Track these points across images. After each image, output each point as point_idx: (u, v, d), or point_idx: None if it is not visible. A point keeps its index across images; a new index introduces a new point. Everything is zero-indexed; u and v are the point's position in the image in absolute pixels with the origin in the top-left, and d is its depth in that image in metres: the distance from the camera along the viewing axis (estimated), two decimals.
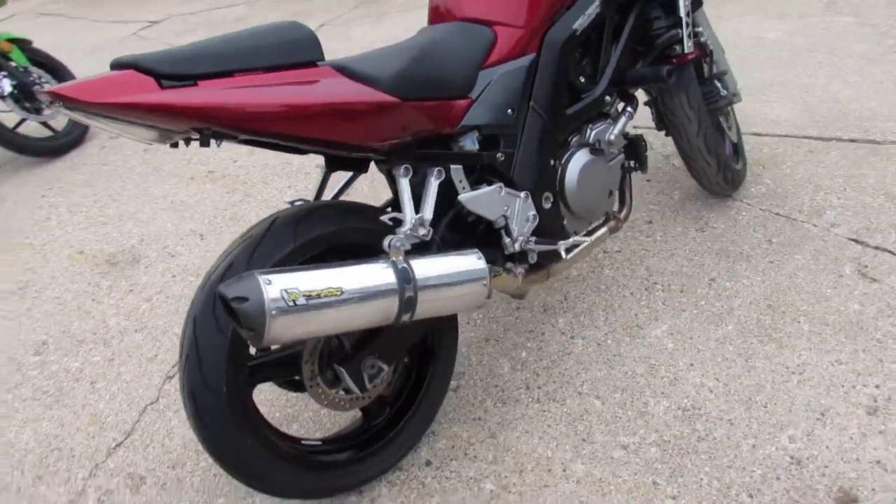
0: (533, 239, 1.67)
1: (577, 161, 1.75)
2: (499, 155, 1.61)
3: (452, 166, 1.54)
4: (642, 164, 2.03)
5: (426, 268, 1.38)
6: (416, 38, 1.56)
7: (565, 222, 1.80)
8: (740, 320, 1.93)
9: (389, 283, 1.32)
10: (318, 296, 1.23)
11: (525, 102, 1.64)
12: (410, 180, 1.47)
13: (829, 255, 2.11)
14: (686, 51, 1.96)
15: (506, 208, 1.61)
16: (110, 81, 1.15)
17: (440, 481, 1.63)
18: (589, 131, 1.80)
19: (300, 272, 1.25)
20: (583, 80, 1.78)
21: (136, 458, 1.84)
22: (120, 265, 2.73)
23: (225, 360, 1.32)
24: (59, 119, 3.83)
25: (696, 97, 2.12)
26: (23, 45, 3.66)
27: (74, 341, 2.33)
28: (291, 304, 1.20)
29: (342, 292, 1.26)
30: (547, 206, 1.72)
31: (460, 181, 1.55)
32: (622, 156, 1.92)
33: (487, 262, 1.63)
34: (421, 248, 1.46)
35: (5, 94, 3.51)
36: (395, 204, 1.56)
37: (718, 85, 2.22)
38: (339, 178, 1.67)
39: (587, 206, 1.81)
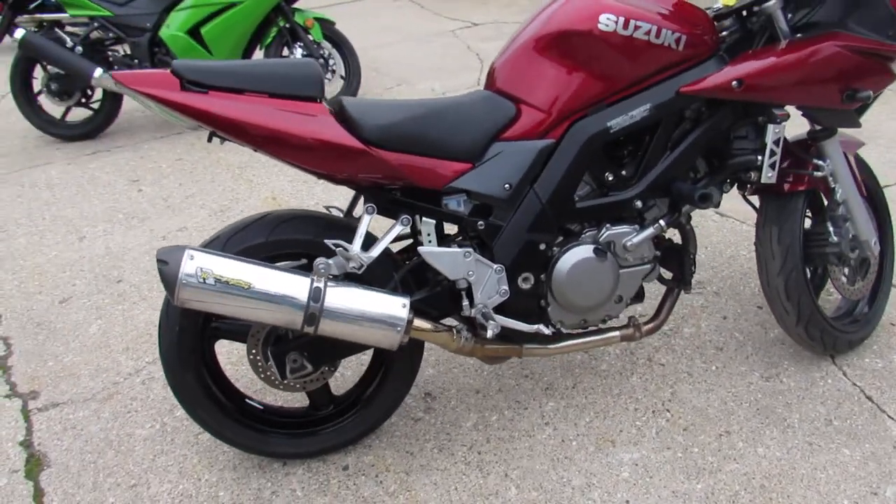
0: (491, 311, 1.71)
1: (574, 256, 1.72)
2: (479, 223, 1.68)
3: (424, 219, 1.66)
4: (684, 284, 1.89)
5: (340, 296, 1.56)
6: (440, 99, 1.70)
7: (549, 310, 1.79)
8: (716, 485, 1.72)
9: (298, 296, 1.53)
10: (227, 283, 1.49)
11: (527, 183, 1.68)
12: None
13: (883, 467, 1.73)
14: (764, 181, 1.76)
15: (470, 273, 1.68)
16: (149, 76, 1.53)
17: (339, 488, 1.80)
18: (605, 230, 1.75)
19: (227, 259, 1.52)
20: (611, 178, 1.73)
21: None
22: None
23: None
24: (330, 88, 4.57)
25: (789, 234, 1.88)
26: (325, 24, 4.46)
27: None
28: (202, 280, 1.48)
29: (249, 287, 1.50)
30: (525, 286, 1.74)
31: (428, 234, 1.67)
32: (648, 266, 1.81)
33: (438, 314, 1.74)
34: (364, 278, 1.63)
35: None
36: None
37: (831, 230, 1.92)
38: None
39: (577, 304, 1.76)
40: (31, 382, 2.29)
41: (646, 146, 1.74)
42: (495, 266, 1.70)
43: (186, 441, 1.98)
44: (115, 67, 4.23)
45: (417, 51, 6.05)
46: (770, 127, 1.73)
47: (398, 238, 1.79)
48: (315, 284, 1.54)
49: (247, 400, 1.87)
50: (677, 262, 1.89)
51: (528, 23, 1.71)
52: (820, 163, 1.87)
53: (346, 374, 2.17)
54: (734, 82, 1.65)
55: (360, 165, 1.58)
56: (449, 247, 1.68)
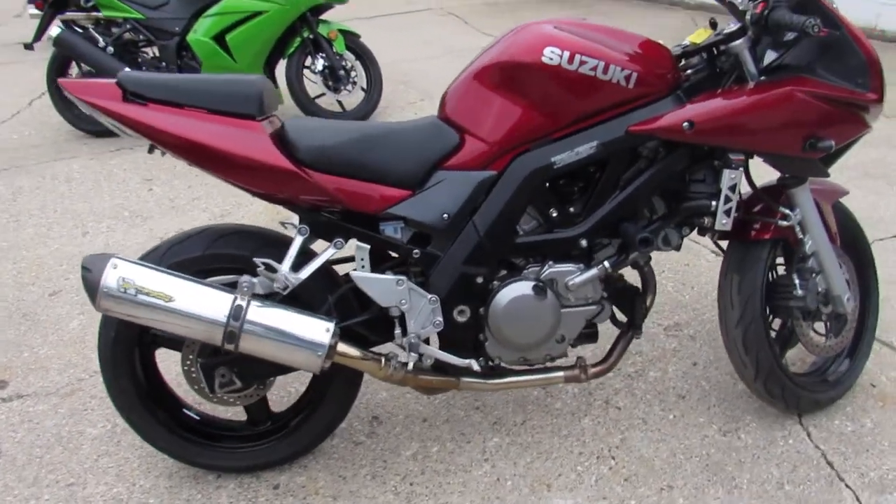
0: (420, 342, 1.67)
1: (512, 291, 1.67)
2: (415, 252, 1.65)
3: (358, 243, 1.64)
4: (634, 328, 1.82)
5: (262, 315, 1.55)
6: (384, 124, 1.68)
7: (487, 344, 1.74)
8: None
9: (219, 312, 1.52)
10: (148, 294, 1.50)
11: (466, 214, 1.64)
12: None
13: None
14: (718, 227, 1.68)
15: (403, 302, 1.65)
16: (94, 86, 1.56)
17: None
18: (547, 267, 1.69)
19: (150, 270, 1.53)
20: (555, 214, 1.68)
21: None
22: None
23: None
24: (351, 100, 4.60)
25: (750, 284, 1.79)
26: (349, 36, 4.50)
27: None
28: (122, 291, 1.49)
29: (170, 300, 1.51)
30: (461, 319, 1.70)
31: (361, 259, 1.64)
32: (593, 307, 1.74)
33: (376, 340, 1.71)
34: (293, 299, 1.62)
35: (317, 70, 4.39)
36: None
37: (797, 282, 1.82)
38: None
39: (514, 340, 1.71)
40: (3, 372, 2.35)
41: (594, 184, 1.68)
42: (430, 296, 1.66)
43: (132, 444, 2.00)
44: (143, 69, 4.36)
45: (450, 65, 6.04)
46: (725, 172, 1.65)
47: (341, 260, 1.78)
48: (237, 302, 1.54)
49: (184, 410, 1.87)
50: (629, 304, 1.82)
51: (482, 52, 1.68)
52: (787, 212, 1.77)
53: (301, 390, 2.16)
54: (685, 124, 1.58)
55: (291, 186, 1.57)
56: (383, 273, 1.66)
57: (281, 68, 4.47)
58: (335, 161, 1.59)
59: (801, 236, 1.80)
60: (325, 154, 1.58)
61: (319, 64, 4.37)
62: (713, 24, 1.74)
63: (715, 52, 1.71)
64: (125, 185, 3.82)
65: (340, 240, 1.64)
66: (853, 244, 2.00)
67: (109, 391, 1.75)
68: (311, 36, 4.35)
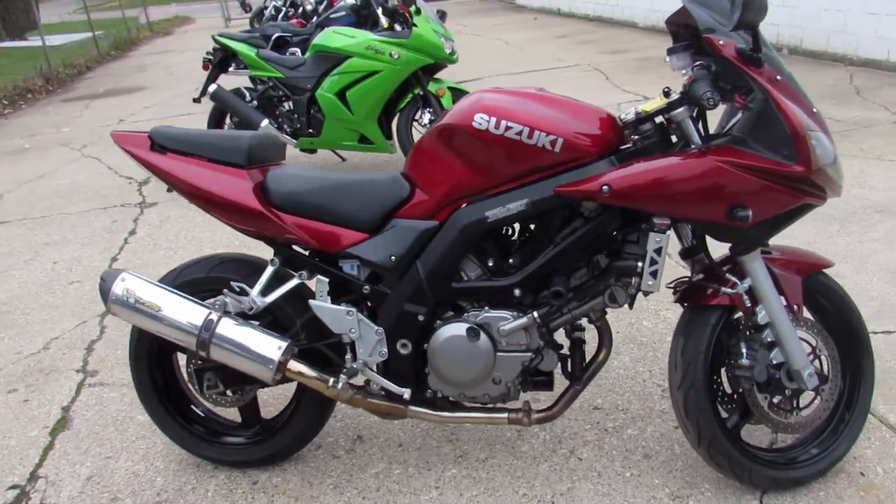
0: (363, 367, 1.88)
1: (448, 331, 1.83)
2: (365, 287, 1.88)
3: (319, 276, 1.90)
4: (574, 380, 1.89)
5: (229, 330, 1.86)
6: (350, 174, 1.93)
7: (429, 378, 1.90)
8: None
9: (193, 323, 1.86)
10: (143, 303, 1.87)
11: (410, 258, 1.84)
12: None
13: None
14: (644, 288, 1.73)
15: (352, 331, 1.88)
16: (132, 136, 1.99)
17: (239, 499, 2.07)
18: (483, 312, 1.83)
19: (149, 284, 1.90)
20: (491, 264, 1.82)
21: None
22: None
23: None
24: None
25: (693, 348, 1.81)
26: (458, 93, 4.84)
27: None
28: (125, 299, 1.88)
29: (159, 309, 1.87)
30: (403, 352, 1.88)
31: (321, 291, 1.90)
32: (529, 354, 1.84)
33: (335, 363, 1.95)
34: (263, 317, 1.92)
35: (423, 123, 4.78)
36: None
37: (744, 351, 1.79)
38: None
39: (448, 377, 1.86)
40: (98, 364, 2.89)
41: (527, 239, 1.81)
42: (376, 328, 1.88)
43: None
44: (280, 120, 5.01)
45: None
46: (651, 235, 1.70)
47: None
48: (210, 316, 1.86)
49: (192, 406, 2.22)
50: (573, 356, 1.90)
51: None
52: (734, 279, 1.77)
53: None
54: (603, 187, 1.67)
55: (264, 226, 1.88)
56: (338, 304, 1.90)
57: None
58: (301, 205, 1.87)
59: (749, 305, 1.78)
60: (294, 199, 1.88)
61: (426, 118, 4.76)
62: (666, 93, 1.81)
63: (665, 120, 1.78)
64: None
65: (305, 272, 1.91)
66: (839, 319, 1.91)
67: (133, 383, 2.14)
68: (420, 92, 4.76)
